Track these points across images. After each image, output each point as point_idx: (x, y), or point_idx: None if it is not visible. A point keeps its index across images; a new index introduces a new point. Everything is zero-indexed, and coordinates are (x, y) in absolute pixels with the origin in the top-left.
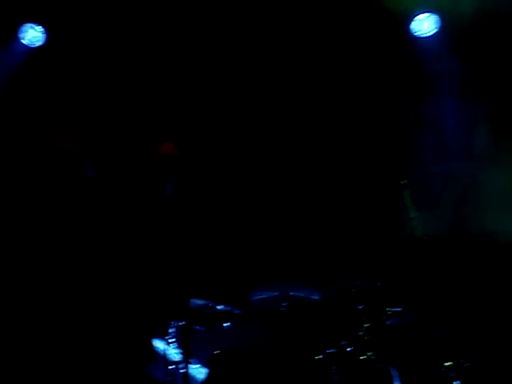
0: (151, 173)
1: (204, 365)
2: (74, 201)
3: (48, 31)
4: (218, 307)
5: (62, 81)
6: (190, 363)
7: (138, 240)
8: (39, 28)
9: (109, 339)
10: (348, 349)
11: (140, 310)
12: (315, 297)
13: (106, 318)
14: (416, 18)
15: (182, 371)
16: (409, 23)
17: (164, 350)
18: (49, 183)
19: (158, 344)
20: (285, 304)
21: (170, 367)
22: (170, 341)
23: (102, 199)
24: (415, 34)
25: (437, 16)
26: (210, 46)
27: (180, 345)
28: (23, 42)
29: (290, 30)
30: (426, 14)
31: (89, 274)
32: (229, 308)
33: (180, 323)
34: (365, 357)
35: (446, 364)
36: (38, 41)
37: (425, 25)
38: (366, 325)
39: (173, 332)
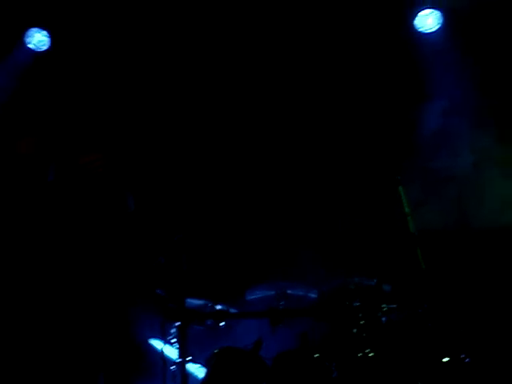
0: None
1: (203, 364)
2: (36, 205)
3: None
4: (216, 307)
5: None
6: (189, 362)
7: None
8: (44, 32)
9: (102, 339)
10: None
11: (134, 310)
12: (312, 294)
13: (98, 317)
14: (419, 13)
15: (180, 371)
16: (412, 19)
17: (162, 349)
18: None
19: (156, 344)
20: (282, 302)
21: (169, 367)
22: (168, 341)
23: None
24: (419, 30)
25: (440, 12)
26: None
27: (178, 344)
28: (29, 46)
29: (286, 30)
30: (429, 10)
31: (68, 276)
32: (226, 307)
33: (177, 323)
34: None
35: (445, 360)
36: (44, 45)
37: (428, 21)
38: (361, 322)
39: (172, 332)
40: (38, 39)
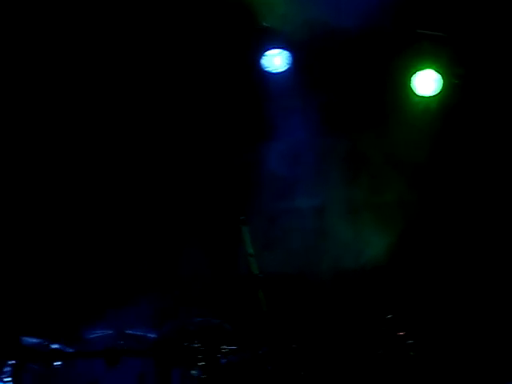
0: None
1: None
2: None
3: None
4: (52, 345)
5: None
6: None
7: None
8: None
9: None
10: None
11: None
12: (151, 335)
13: None
14: (267, 53)
15: None
16: (259, 59)
17: None
18: None
19: None
20: (120, 342)
21: None
22: (2, 379)
23: None
24: (266, 69)
25: (288, 52)
26: None
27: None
28: None
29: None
30: (278, 50)
31: None
32: (61, 346)
33: (12, 362)
34: None
35: None
36: None
37: (276, 61)
38: (200, 363)
39: (6, 371)
40: None
